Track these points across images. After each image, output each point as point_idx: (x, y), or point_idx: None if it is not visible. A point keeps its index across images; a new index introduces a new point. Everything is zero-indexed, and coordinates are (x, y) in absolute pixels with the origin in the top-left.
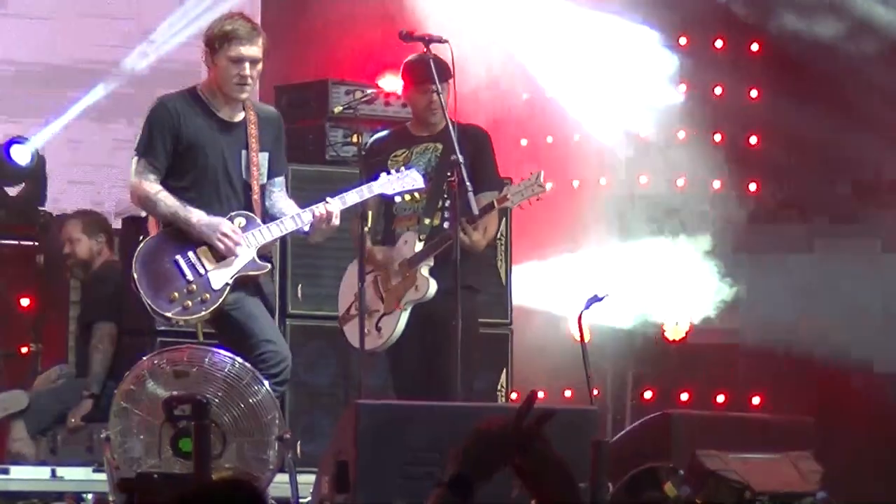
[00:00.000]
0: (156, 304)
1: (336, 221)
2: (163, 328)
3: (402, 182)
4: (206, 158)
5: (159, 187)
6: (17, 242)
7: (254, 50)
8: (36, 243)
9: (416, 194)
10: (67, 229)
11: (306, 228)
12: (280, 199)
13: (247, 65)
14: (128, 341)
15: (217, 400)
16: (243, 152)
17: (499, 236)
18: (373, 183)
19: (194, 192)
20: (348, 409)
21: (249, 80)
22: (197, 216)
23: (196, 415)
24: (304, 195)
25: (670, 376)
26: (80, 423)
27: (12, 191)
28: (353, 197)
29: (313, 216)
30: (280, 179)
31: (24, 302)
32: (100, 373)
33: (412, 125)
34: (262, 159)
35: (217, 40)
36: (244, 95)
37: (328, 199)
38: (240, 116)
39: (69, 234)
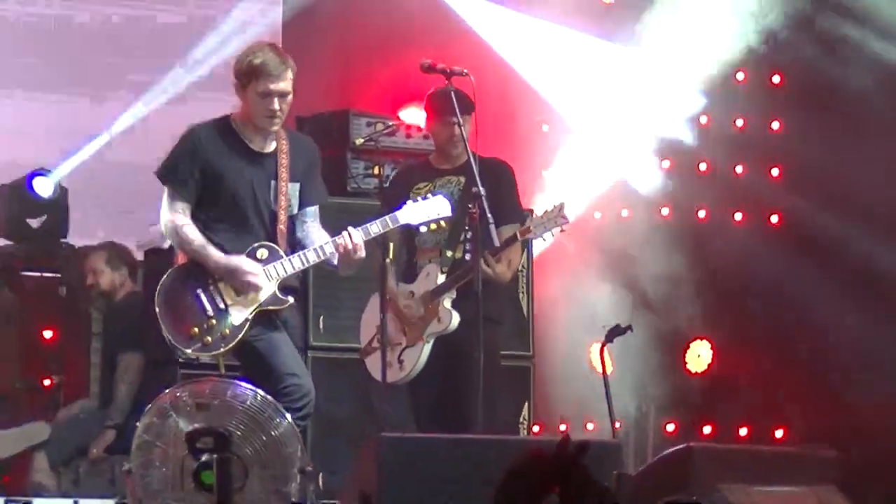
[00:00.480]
0: (176, 339)
1: (361, 253)
2: (185, 361)
3: (427, 210)
4: (234, 188)
5: (186, 220)
6: (39, 274)
7: (282, 85)
8: (58, 275)
9: (442, 223)
10: (91, 261)
11: (334, 261)
12: (312, 229)
13: (276, 99)
14: (150, 373)
15: (239, 433)
16: (272, 182)
17: (520, 268)
18: (397, 212)
19: (223, 222)
20: (370, 442)
21: (279, 114)
22: (215, 259)
23: (218, 447)
24: (325, 226)
25: (693, 409)
26: (102, 455)
27: (34, 223)
28: (376, 227)
29: (336, 248)
30: (312, 209)
31: (47, 334)
32: (124, 403)
33: (435, 158)
34: (293, 190)
35: (246, 75)
36: (274, 128)
37: (350, 229)
38: (272, 146)
39: (93, 266)
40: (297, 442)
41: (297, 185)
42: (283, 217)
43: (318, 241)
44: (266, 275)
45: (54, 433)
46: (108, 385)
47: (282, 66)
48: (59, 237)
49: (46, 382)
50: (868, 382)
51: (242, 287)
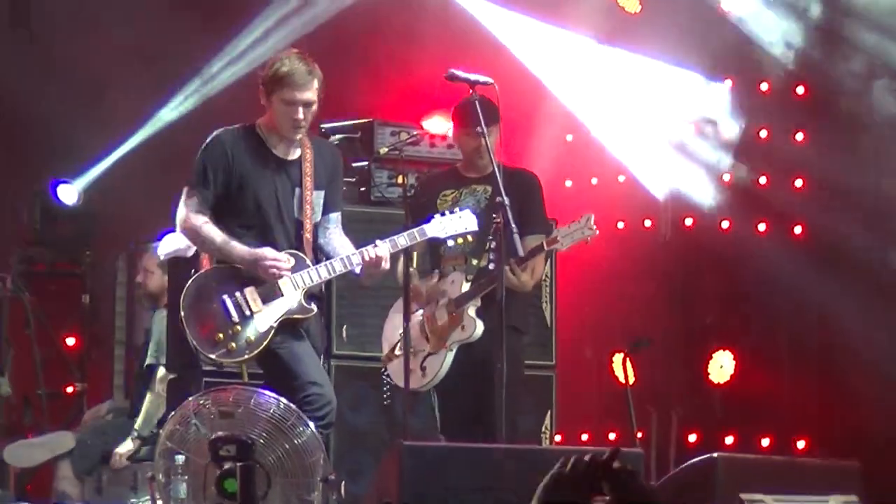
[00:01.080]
0: (200, 344)
1: (386, 265)
2: (208, 368)
3: (454, 225)
4: (258, 195)
5: (205, 219)
6: (63, 281)
7: (308, 94)
8: (82, 282)
9: (470, 236)
10: (144, 259)
11: (357, 270)
12: (335, 236)
13: (300, 108)
14: (173, 381)
15: (262, 441)
16: (297, 190)
17: (543, 278)
18: (425, 226)
19: (247, 228)
20: (392, 450)
21: (303, 123)
22: (239, 251)
23: (241, 455)
24: (349, 236)
25: (715, 419)
26: (125, 463)
27: (59, 230)
28: (403, 240)
29: (362, 259)
30: (335, 215)
31: (70, 341)
32: (152, 416)
33: (462, 166)
34: (317, 197)
35: (272, 82)
36: (298, 136)
37: (378, 242)
38: (296, 154)
39: (145, 265)
40: (320, 450)
41: (322, 193)
42: (308, 225)
43: (341, 248)
44: (292, 282)
45: (80, 442)
46: (140, 393)
47: (308, 76)
48: (83, 245)
49: (69, 390)
50: (891, 393)
51: (266, 275)
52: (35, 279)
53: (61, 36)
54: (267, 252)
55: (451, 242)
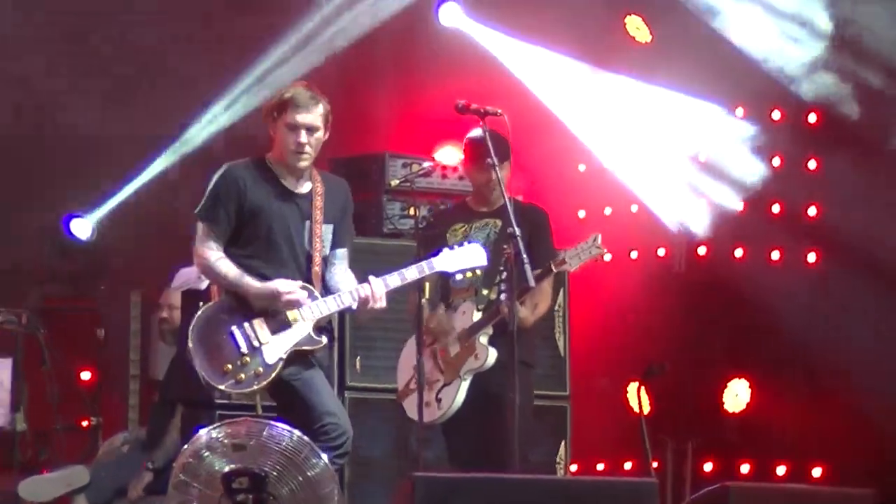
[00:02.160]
0: (209, 375)
1: (381, 303)
2: (221, 401)
3: (463, 259)
4: (270, 227)
5: (220, 254)
6: (77, 316)
7: (310, 117)
8: (97, 316)
9: (480, 270)
10: (168, 295)
11: (354, 307)
12: (339, 271)
13: (303, 132)
14: (187, 414)
15: (275, 473)
16: (307, 223)
17: (556, 308)
18: (433, 259)
19: (258, 260)
20: (404, 481)
21: (307, 149)
22: (254, 288)
23: (254, 488)
24: (361, 267)
25: (731, 448)
26: (141, 496)
27: (73, 265)
28: (412, 273)
29: (358, 296)
30: (342, 251)
31: (85, 375)
32: (170, 450)
33: (472, 200)
34: (326, 231)
35: (276, 108)
36: (302, 164)
37: (371, 279)
38: (306, 187)
39: (169, 301)
40: (333, 482)
41: (331, 227)
42: (317, 258)
43: (344, 284)
44: (301, 314)
45: (94, 475)
46: (159, 427)
47: (311, 101)
48: (97, 279)
49: (84, 424)
50: None
51: (285, 306)
52: (49, 314)
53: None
54: (280, 285)
55: (459, 277)
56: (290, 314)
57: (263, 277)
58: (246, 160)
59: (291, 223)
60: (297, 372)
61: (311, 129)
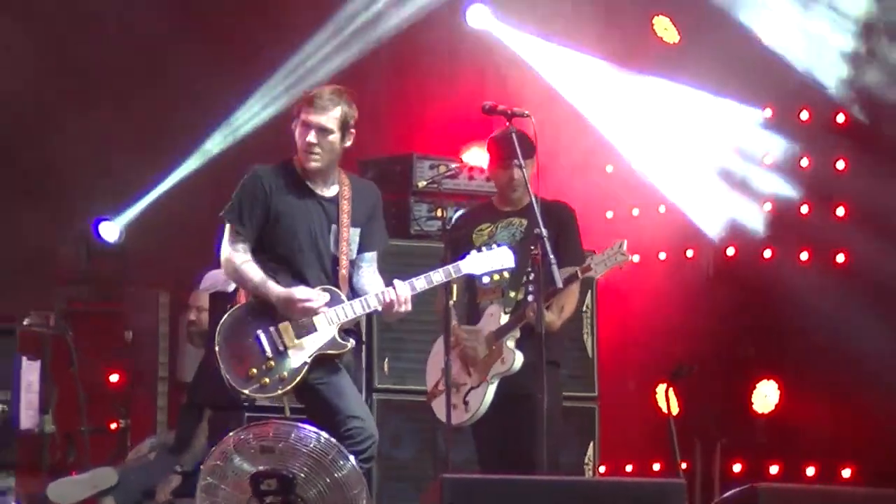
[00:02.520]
0: (234, 379)
1: (407, 307)
2: (249, 403)
3: (490, 261)
4: (295, 231)
5: (246, 258)
6: (105, 318)
7: (322, 118)
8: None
9: (507, 273)
10: (197, 297)
11: (379, 309)
12: (366, 274)
13: (313, 132)
14: (215, 416)
15: (303, 475)
16: (333, 226)
17: (584, 309)
18: (460, 262)
19: (283, 263)
20: (433, 483)
21: (315, 149)
22: (275, 292)
23: (282, 490)
24: (389, 269)
25: (760, 449)
26: (169, 499)
27: (101, 267)
28: (439, 276)
29: (382, 300)
30: (370, 255)
31: (113, 378)
32: (198, 454)
33: (497, 200)
34: (353, 235)
35: (296, 107)
36: (312, 164)
37: (396, 282)
38: (333, 191)
39: (198, 303)
40: (361, 484)
41: (358, 231)
42: (343, 261)
43: (372, 287)
44: (326, 317)
45: (122, 478)
46: (187, 430)
47: (329, 103)
48: (125, 281)
49: (113, 426)
50: None
51: (301, 313)
52: (78, 317)
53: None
54: (298, 292)
55: (486, 279)
56: (316, 318)
57: (289, 280)
58: (274, 164)
59: (317, 226)
60: (322, 376)
61: (322, 131)
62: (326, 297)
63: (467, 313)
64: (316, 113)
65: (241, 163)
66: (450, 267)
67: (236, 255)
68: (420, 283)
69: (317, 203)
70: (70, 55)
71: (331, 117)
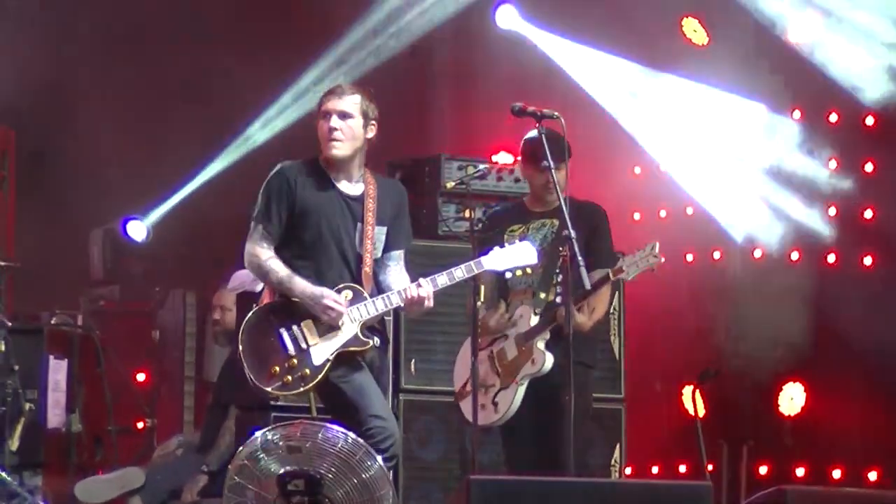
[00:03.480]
0: (257, 378)
1: (429, 303)
2: (276, 403)
3: (512, 257)
4: (319, 229)
5: (271, 254)
6: (133, 318)
7: (343, 103)
8: (152, 319)
9: (530, 269)
10: (222, 296)
11: (402, 305)
12: (394, 272)
13: (334, 117)
14: (241, 416)
15: (330, 475)
16: (358, 225)
17: (612, 311)
18: (482, 258)
19: (307, 261)
20: (461, 485)
21: (337, 134)
22: (301, 287)
23: (310, 490)
24: (417, 270)
25: (786, 451)
26: (196, 499)
27: (129, 267)
28: (461, 272)
29: (405, 297)
30: (397, 253)
31: (140, 377)
32: (224, 453)
33: (529, 201)
34: (379, 233)
35: (318, 102)
36: (335, 152)
37: (420, 280)
38: (359, 189)
39: (222, 302)
40: (388, 485)
41: (384, 229)
42: (368, 260)
43: (398, 285)
44: (349, 316)
45: (149, 477)
46: (213, 430)
47: (349, 90)
48: (153, 281)
49: (139, 425)
50: None
51: (323, 314)
52: (105, 316)
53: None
54: (327, 293)
55: (515, 274)
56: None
57: (312, 277)
58: (299, 161)
59: (342, 224)
60: (344, 374)
61: (343, 116)
62: (350, 296)
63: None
64: (333, 99)
65: (269, 162)
66: (472, 263)
67: (262, 250)
68: (442, 279)
69: (342, 201)
70: (105, 55)
71: (350, 102)
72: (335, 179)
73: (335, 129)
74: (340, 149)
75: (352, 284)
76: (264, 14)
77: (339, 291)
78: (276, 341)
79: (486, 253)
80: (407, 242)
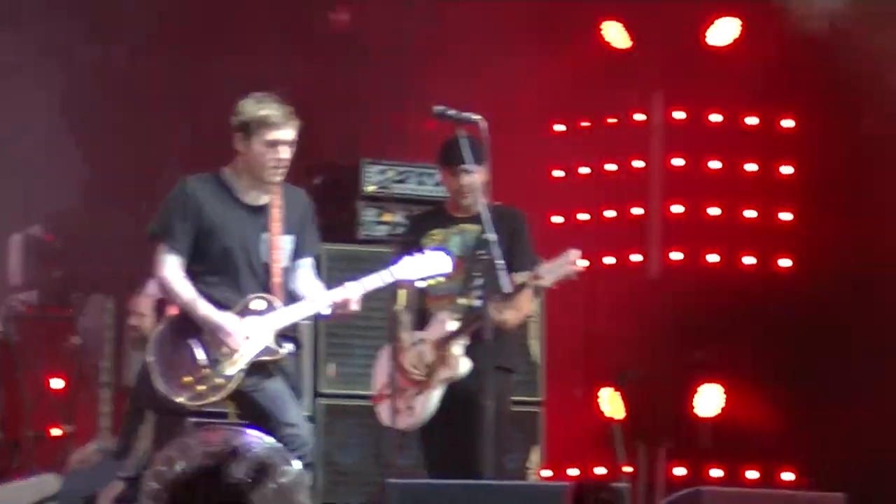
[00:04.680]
0: (167, 388)
1: (355, 307)
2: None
3: (425, 266)
4: (225, 242)
5: (178, 274)
6: (51, 324)
7: (290, 133)
8: (71, 324)
9: (453, 274)
10: (139, 302)
11: (325, 312)
12: (304, 280)
13: (284, 148)
14: (159, 422)
15: (247, 481)
16: (264, 235)
17: (531, 314)
18: (392, 268)
19: (214, 275)
20: (379, 489)
21: (284, 164)
22: (203, 314)
23: (226, 496)
24: (337, 274)
25: (702, 453)
26: None
27: (48, 272)
28: (372, 282)
29: (331, 301)
30: (306, 260)
31: (57, 383)
32: (141, 459)
33: (449, 205)
34: (286, 242)
35: (252, 124)
36: (279, 179)
37: (346, 284)
38: (264, 199)
39: (139, 308)
40: (306, 490)
41: (291, 238)
42: (276, 269)
43: (311, 293)
44: (261, 326)
45: (65, 484)
46: (130, 435)
47: (289, 116)
48: (72, 286)
49: (56, 432)
50: (878, 424)
51: (222, 346)
52: (23, 322)
53: None
54: (226, 324)
55: (436, 282)
56: (250, 325)
57: (221, 293)
58: (201, 175)
59: (249, 237)
60: (257, 383)
61: (291, 145)
62: (245, 335)
63: (418, 319)
64: (282, 130)
65: (186, 168)
66: (383, 273)
67: (168, 270)
68: (353, 287)
69: (247, 213)
70: None
71: (294, 130)
72: (239, 192)
73: (285, 160)
74: (283, 175)
75: (263, 295)
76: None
77: (248, 302)
78: (188, 352)
79: (396, 262)
80: (315, 249)
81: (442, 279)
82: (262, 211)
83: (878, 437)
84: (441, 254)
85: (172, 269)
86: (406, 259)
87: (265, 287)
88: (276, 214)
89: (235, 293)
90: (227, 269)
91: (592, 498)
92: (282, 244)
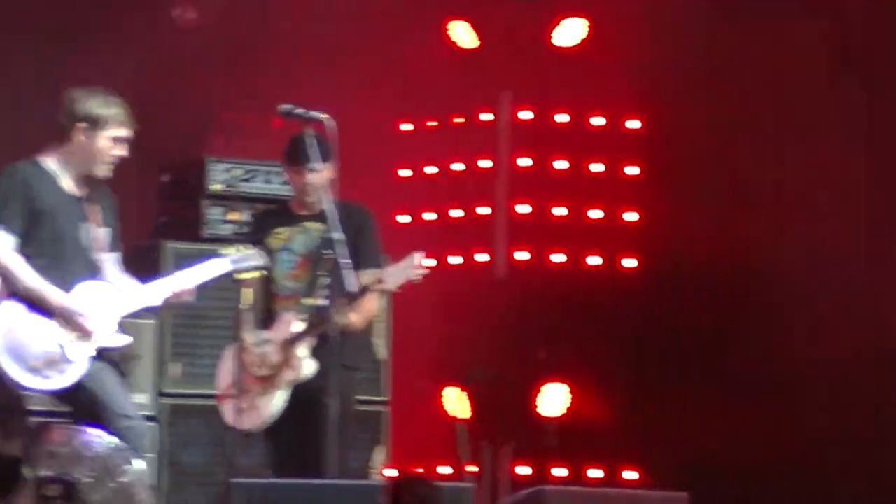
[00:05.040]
0: (14, 372)
1: (189, 298)
2: (35, 408)
3: (202, 272)
4: (56, 227)
5: (17, 259)
6: None
7: (131, 132)
8: None
9: (299, 273)
10: None
11: (157, 303)
12: (112, 274)
13: (125, 146)
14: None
15: (88, 480)
16: (86, 225)
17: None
18: (176, 272)
19: (44, 259)
20: (223, 489)
21: (117, 160)
22: (54, 297)
23: (66, 496)
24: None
25: (547, 452)
26: None
27: None
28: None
29: (169, 292)
30: (115, 255)
31: None
32: None
33: (294, 204)
34: (105, 234)
35: (101, 120)
36: (108, 173)
37: (177, 273)
38: (81, 190)
39: None
40: (147, 489)
41: (109, 230)
42: (101, 258)
43: (121, 286)
44: (105, 314)
45: None
46: None
47: (130, 115)
48: None
49: None
50: (721, 424)
51: (76, 329)
52: None
53: None
54: (80, 309)
55: (282, 283)
56: (91, 313)
57: (55, 277)
58: (26, 161)
59: (74, 225)
60: (95, 372)
61: (130, 142)
62: (97, 321)
63: (263, 320)
64: (128, 128)
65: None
66: (207, 264)
67: (6, 254)
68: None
69: (71, 202)
70: None
71: (133, 127)
72: (61, 181)
73: (120, 157)
74: (111, 172)
75: (95, 282)
76: None
77: (93, 288)
78: (34, 337)
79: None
80: (119, 245)
81: (300, 274)
82: (81, 201)
83: (720, 437)
84: (257, 253)
85: (10, 253)
86: (180, 271)
87: (92, 275)
88: (93, 206)
89: (63, 279)
90: (55, 254)
91: (409, 494)
92: (101, 236)
